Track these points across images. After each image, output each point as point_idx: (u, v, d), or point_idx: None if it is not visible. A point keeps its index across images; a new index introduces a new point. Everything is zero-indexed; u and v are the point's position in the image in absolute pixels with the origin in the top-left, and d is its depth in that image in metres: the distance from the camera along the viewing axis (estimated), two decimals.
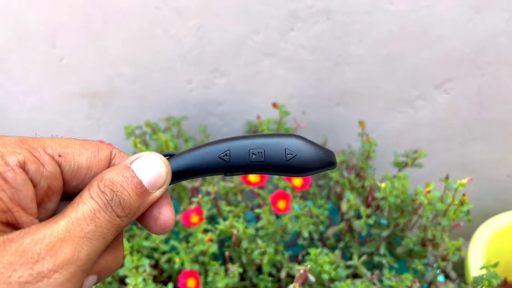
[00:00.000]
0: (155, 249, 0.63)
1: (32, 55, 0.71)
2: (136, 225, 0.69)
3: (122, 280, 0.61)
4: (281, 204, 0.60)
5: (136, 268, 0.55)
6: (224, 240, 0.66)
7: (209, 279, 0.57)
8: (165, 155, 0.26)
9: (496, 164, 0.80)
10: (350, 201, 0.63)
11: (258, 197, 0.65)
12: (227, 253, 0.61)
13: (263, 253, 0.60)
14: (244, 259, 0.61)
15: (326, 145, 0.76)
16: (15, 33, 0.69)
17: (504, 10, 0.62)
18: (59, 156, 0.23)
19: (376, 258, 0.64)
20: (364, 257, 0.61)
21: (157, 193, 0.24)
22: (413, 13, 0.63)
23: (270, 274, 0.63)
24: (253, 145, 0.26)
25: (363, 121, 0.68)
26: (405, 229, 0.63)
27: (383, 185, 0.59)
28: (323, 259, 0.56)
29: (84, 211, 0.22)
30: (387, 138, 0.77)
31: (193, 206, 0.60)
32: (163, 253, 0.63)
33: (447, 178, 0.58)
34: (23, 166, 0.22)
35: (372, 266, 0.66)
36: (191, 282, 0.57)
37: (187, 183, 0.68)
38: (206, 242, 0.58)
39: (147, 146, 0.71)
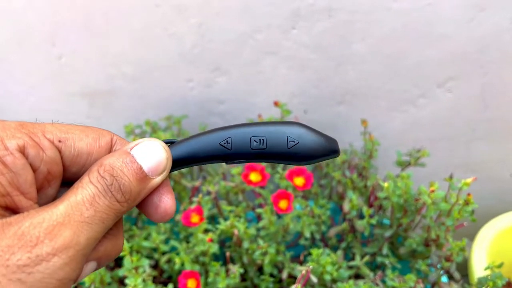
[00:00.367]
0: (155, 250, 0.63)
1: (32, 55, 0.71)
2: (136, 225, 0.69)
3: (121, 281, 0.60)
4: (283, 204, 0.59)
5: (136, 268, 0.55)
6: (225, 240, 0.66)
7: (210, 279, 0.57)
8: (166, 142, 0.26)
9: (500, 164, 0.79)
10: (353, 201, 0.62)
11: (259, 196, 0.64)
12: (228, 254, 0.60)
13: (264, 254, 0.59)
14: (245, 259, 0.60)
15: None
16: (15, 33, 0.69)
17: (508, 8, 0.62)
18: (59, 141, 0.23)
19: (379, 259, 0.63)
20: (366, 258, 0.60)
21: (158, 179, 0.24)
22: (416, 11, 0.63)
23: (271, 275, 0.63)
24: (254, 133, 0.26)
25: (365, 120, 0.68)
26: (408, 229, 0.62)
27: (385, 184, 0.59)
28: (325, 260, 0.56)
29: (84, 196, 0.22)
30: (390, 138, 0.76)
31: (193, 206, 0.60)
32: (163, 253, 0.63)
33: (451, 177, 0.57)
34: (22, 151, 0.22)
35: (375, 266, 0.66)
36: (191, 283, 0.56)
37: (187, 183, 0.68)
38: (206, 242, 0.57)
39: None
